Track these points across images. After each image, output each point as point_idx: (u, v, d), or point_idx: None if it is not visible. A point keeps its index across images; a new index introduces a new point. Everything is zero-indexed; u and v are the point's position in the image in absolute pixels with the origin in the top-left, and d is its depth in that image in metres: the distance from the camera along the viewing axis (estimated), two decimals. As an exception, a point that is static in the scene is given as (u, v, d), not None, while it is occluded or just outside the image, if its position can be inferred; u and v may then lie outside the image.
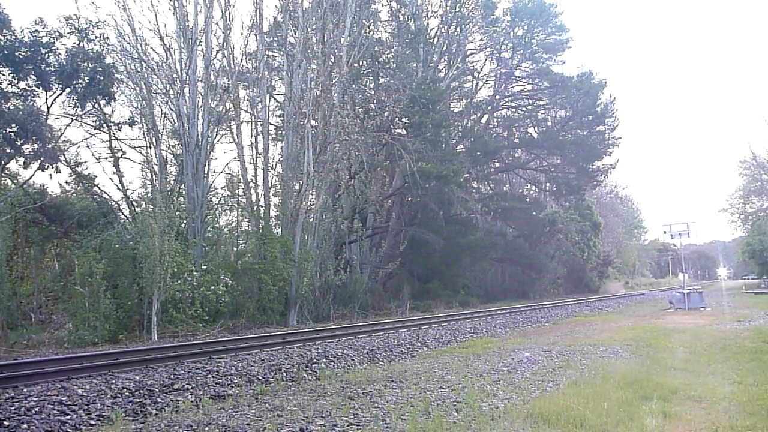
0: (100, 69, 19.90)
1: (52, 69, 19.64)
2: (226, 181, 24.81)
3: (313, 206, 22.28)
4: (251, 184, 22.87)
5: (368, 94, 29.60)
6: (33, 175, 20.69)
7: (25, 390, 7.64)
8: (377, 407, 6.99)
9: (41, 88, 19.79)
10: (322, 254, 22.01)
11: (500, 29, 35.96)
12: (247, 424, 6.33)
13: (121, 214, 21.39)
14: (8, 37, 18.68)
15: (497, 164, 40.14)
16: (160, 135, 20.88)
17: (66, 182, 23.17)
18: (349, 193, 26.54)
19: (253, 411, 7.04)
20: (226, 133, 23.30)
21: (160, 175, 20.06)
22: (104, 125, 21.42)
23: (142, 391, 7.90)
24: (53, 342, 13.97)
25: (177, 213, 18.78)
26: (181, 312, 15.74)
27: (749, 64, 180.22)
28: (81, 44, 20.10)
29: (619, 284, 61.98)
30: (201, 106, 20.53)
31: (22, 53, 18.80)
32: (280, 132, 25.54)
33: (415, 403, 7.10)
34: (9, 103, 19.13)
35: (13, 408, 6.79)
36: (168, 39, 20.44)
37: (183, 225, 19.14)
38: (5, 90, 19.14)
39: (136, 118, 21.36)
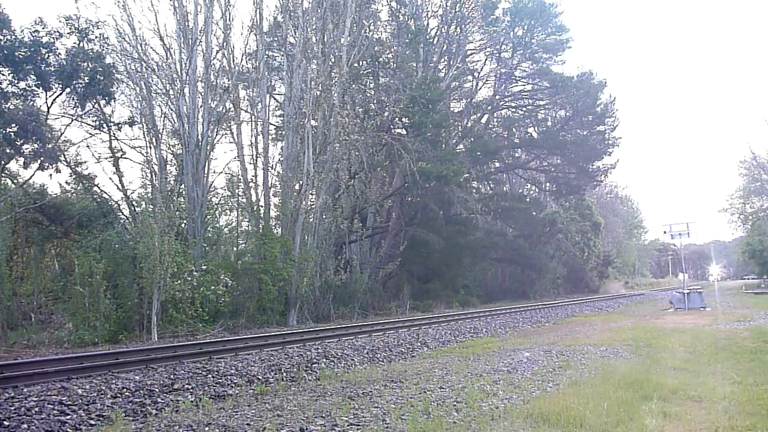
0: (100, 69, 19.91)
1: (52, 69, 19.65)
2: (226, 181, 24.78)
3: (313, 206, 22.28)
4: (251, 184, 22.88)
5: (368, 94, 29.61)
6: (33, 175, 20.73)
7: (25, 390, 7.64)
8: (377, 407, 6.98)
9: (41, 88, 19.79)
10: (322, 254, 22.00)
11: (500, 29, 36.00)
12: (247, 424, 6.33)
13: (121, 214, 21.40)
14: (8, 37, 18.69)
15: (497, 164, 40.18)
16: (160, 135, 20.90)
17: (66, 182, 23.20)
18: (349, 193, 26.52)
19: (253, 411, 7.04)
20: (226, 133, 23.31)
21: (160, 175, 20.07)
22: (104, 125, 21.43)
23: (142, 391, 7.90)
24: (53, 342, 13.98)
25: (177, 213, 18.79)
26: (181, 312, 15.74)
27: (749, 64, 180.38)
28: (81, 44, 20.10)
29: (619, 284, 61.97)
30: (201, 106, 20.54)
31: (22, 53, 18.80)
32: (280, 132, 25.53)
33: (415, 403, 7.10)
34: (9, 103, 19.13)
35: (13, 408, 6.79)
36: (168, 39, 20.49)
37: (183, 225, 19.14)
38: (5, 90, 19.14)
39: (136, 118, 21.38)
